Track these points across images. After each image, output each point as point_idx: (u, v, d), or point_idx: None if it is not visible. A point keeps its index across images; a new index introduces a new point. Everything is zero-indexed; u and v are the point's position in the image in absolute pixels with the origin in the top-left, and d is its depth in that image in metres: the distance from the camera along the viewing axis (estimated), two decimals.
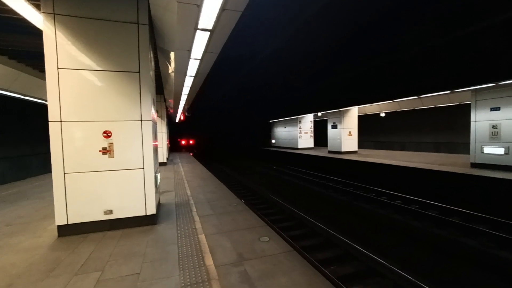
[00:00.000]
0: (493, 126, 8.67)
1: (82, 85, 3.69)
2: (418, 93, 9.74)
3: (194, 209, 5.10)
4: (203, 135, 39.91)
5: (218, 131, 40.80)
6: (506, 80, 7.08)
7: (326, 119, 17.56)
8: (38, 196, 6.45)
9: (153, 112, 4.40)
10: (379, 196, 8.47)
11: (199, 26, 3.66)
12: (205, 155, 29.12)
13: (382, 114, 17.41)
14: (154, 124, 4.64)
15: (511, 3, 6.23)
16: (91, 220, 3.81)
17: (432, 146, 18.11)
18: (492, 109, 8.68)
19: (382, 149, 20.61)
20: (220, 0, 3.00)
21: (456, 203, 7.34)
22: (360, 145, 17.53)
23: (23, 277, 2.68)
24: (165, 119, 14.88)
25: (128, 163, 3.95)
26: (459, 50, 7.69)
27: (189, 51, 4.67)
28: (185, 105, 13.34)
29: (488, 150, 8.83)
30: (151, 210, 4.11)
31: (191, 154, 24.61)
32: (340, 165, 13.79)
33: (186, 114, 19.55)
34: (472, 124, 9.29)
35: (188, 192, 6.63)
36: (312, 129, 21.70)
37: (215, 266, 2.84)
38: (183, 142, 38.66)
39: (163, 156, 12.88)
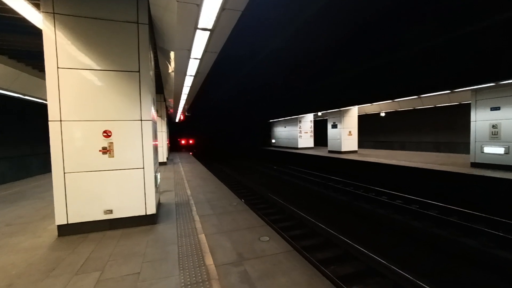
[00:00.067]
0: (493, 126, 8.67)
1: (82, 84, 3.69)
2: (418, 92, 9.73)
3: (194, 208, 5.09)
4: (203, 135, 39.90)
5: (218, 131, 40.79)
6: (506, 79, 7.08)
7: (326, 119, 17.56)
8: (38, 196, 6.45)
9: (153, 112, 4.40)
10: (379, 196, 8.47)
11: (199, 26, 3.66)
12: (205, 155, 29.11)
13: (382, 114, 17.41)
14: (154, 123, 4.64)
15: (511, 3, 6.22)
16: (91, 220, 3.81)
17: (432, 146, 18.11)
18: (492, 109, 8.68)
19: (382, 148, 20.61)
20: None
21: (456, 203, 7.34)
22: (360, 145, 17.53)
23: (23, 277, 2.68)
24: (165, 119, 14.88)
25: (128, 162, 3.95)
26: (459, 50, 7.68)
27: (189, 50, 4.67)
28: (185, 104, 13.33)
29: (488, 149, 8.83)
30: (151, 209, 4.11)
31: (190, 153, 24.61)
32: (340, 165, 13.79)
33: (186, 114, 19.56)
34: (472, 124, 9.29)
35: (188, 192, 6.63)
36: (312, 129, 21.69)
37: (215, 266, 2.84)
38: (183, 141, 38.66)
39: (163, 156, 12.87)
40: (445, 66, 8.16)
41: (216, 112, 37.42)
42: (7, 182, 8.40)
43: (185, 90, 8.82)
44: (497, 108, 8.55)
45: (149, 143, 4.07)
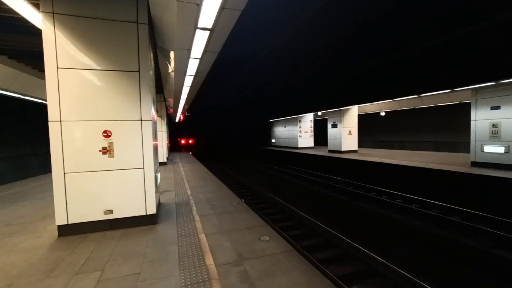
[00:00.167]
0: (493, 125, 8.67)
1: (82, 84, 3.69)
2: (418, 92, 9.74)
3: (194, 208, 5.09)
4: (203, 135, 39.90)
5: (218, 130, 40.78)
6: (506, 79, 7.08)
7: (326, 119, 17.56)
8: (38, 196, 6.45)
9: (153, 112, 4.39)
10: (379, 196, 8.47)
11: (199, 25, 3.65)
12: (205, 155, 29.11)
13: (382, 114, 17.40)
14: (154, 123, 4.63)
15: (511, 3, 6.22)
16: (91, 220, 3.80)
17: (432, 146, 18.11)
18: (492, 108, 8.68)
19: (382, 148, 20.61)
20: None
21: (456, 202, 7.34)
22: (360, 145, 17.53)
23: (23, 277, 2.68)
24: (165, 119, 14.87)
25: (128, 162, 3.95)
26: (459, 49, 7.68)
27: (189, 50, 4.67)
28: (185, 104, 13.33)
29: (488, 149, 8.83)
30: (151, 209, 4.11)
31: (190, 153, 24.61)
32: (340, 165, 13.79)
33: (186, 114, 19.55)
34: (472, 123, 9.29)
35: (188, 192, 6.63)
36: (312, 129, 21.69)
37: (215, 266, 2.84)
38: (182, 141, 38.67)
39: (163, 156, 12.87)
40: (445, 66, 8.16)
41: (216, 112, 37.42)
42: (7, 182, 8.40)
43: (185, 90, 8.82)
44: (497, 107, 8.55)
45: (149, 143, 4.07)
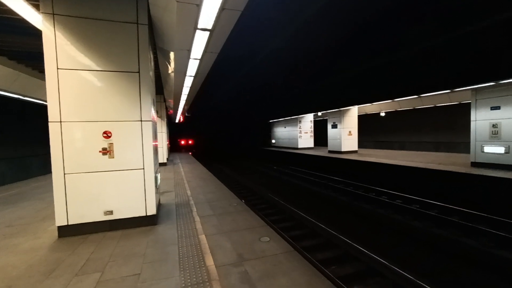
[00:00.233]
0: (493, 125, 8.67)
1: (82, 85, 3.69)
2: (418, 92, 9.74)
3: (194, 209, 5.09)
4: (203, 135, 39.90)
5: (218, 131, 40.78)
6: (506, 79, 7.08)
7: (326, 119, 17.56)
8: (38, 197, 6.45)
9: (153, 112, 4.39)
10: (379, 196, 8.47)
11: (199, 26, 3.66)
12: (205, 155, 29.10)
13: (382, 114, 17.41)
14: (154, 124, 4.63)
15: (511, 3, 6.22)
16: (91, 220, 3.80)
17: (432, 146, 18.11)
18: (492, 108, 8.68)
19: (382, 148, 20.61)
20: None
21: (457, 203, 7.34)
22: (360, 145, 17.52)
23: (23, 278, 2.68)
24: (165, 119, 14.88)
25: (128, 163, 3.95)
26: (459, 49, 7.68)
27: (189, 51, 4.67)
28: (184, 105, 13.33)
29: (488, 149, 8.83)
30: (151, 210, 4.11)
31: (190, 153, 24.61)
32: (340, 165, 13.79)
33: (186, 115, 19.55)
34: (472, 123, 9.29)
35: (188, 193, 6.62)
36: (312, 129, 21.69)
37: (215, 267, 2.84)
38: (182, 142, 38.68)
39: (163, 157, 12.87)
40: (445, 66, 8.16)
41: (216, 112, 37.42)
42: (7, 183, 8.40)
43: (185, 91, 8.82)
44: (497, 108, 8.55)
45: (149, 144, 4.07)
